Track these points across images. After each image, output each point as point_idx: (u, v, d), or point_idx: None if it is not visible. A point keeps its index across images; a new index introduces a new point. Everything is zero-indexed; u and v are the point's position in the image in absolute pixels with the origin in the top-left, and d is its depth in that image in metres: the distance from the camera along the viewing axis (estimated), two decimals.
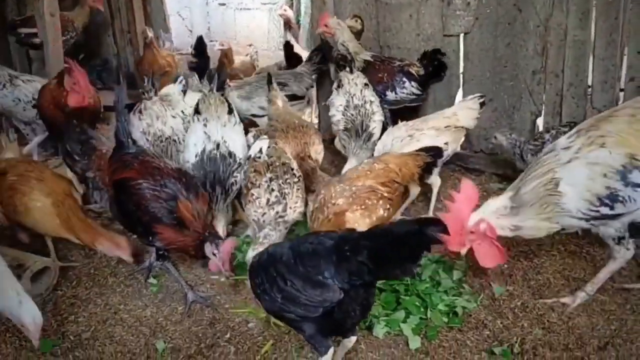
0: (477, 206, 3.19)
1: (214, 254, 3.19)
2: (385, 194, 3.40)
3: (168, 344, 3.11)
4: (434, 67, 5.06)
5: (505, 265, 3.65)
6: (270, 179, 3.57)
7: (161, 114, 4.55)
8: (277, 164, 3.64)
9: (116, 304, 3.50)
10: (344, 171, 4.18)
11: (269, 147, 3.75)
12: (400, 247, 2.25)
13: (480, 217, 3.10)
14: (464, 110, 4.36)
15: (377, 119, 4.68)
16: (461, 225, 3.11)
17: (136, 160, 3.43)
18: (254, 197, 3.57)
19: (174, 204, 3.23)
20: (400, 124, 4.39)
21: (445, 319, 3.16)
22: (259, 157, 3.69)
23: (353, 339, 2.68)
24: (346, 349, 2.77)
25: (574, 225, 3.05)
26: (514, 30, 4.87)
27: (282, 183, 3.57)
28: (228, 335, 3.15)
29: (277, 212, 3.51)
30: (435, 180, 4.32)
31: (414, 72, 5.06)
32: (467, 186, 3.21)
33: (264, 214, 3.53)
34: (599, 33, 4.47)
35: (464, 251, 3.22)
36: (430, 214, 4.31)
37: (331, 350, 2.55)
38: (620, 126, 2.88)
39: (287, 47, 6.87)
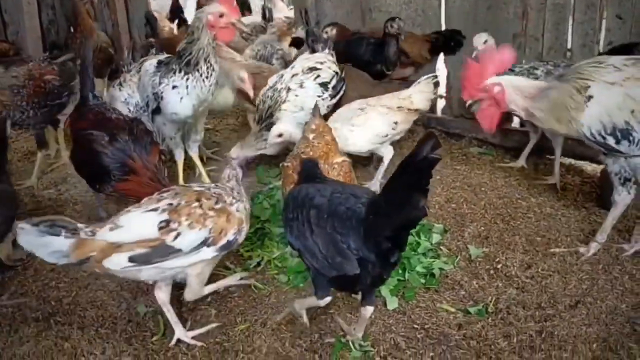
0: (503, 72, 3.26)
1: None
2: (348, 161, 3.41)
3: (149, 308, 3.14)
4: (449, 43, 4.97)
5: (482, 228, 3.72)
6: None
7: None
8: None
9: None
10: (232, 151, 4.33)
11: None
12: (404, 175, 2.17)
13: (499, 82, 3.12)
14: (418, 94, 4.25)
15: (284, 108, 4.31)
16: (480, 79, 3.15)
17: (91, 112, 3.64)
18: None
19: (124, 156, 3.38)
20: (357, 100, 4.28)
21: (423, 280, 3.23)
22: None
23: (370, 309, 2.63)
24: (365, 320, 2.71)
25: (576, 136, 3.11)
26: None
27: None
28: (209, 299, 3.18)
29: None
30: (386, 151, 4.21)
31: None
32: (505, 51, 3.27)
33: None
34: None
35: (471, 103, 3.32)
36: (376, 187, 4.13)
37: (328, 298, 2.59)
38: None
39: None
